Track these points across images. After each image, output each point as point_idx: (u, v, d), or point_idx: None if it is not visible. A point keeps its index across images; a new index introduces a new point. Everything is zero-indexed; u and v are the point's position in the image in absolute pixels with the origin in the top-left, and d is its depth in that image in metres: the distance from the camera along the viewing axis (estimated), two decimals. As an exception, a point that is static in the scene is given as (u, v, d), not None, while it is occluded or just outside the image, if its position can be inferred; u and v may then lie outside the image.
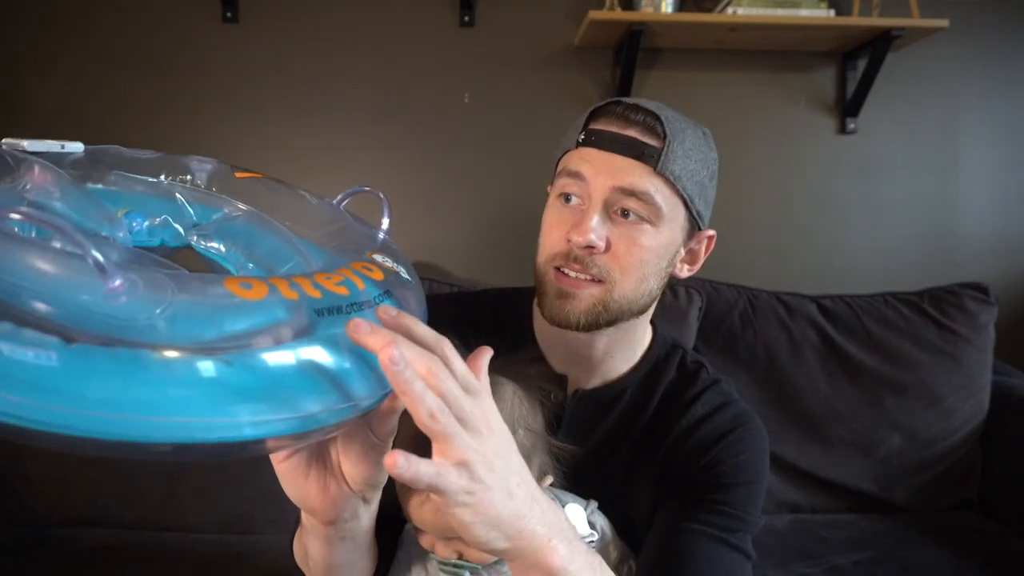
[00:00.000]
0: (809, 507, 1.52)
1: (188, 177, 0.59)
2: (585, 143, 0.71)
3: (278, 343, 0.37)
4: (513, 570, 0.52)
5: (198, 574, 1.24)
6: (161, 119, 1.70)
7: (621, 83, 1.70)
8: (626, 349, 0.78)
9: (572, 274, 0.70)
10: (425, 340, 0.44)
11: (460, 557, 0.63)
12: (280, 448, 0.45)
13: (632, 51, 1.63)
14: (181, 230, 0.58)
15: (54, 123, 1.67)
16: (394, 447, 0.42)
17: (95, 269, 0.32)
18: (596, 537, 0.70)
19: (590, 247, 0.68)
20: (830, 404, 1.52)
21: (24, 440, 0.31)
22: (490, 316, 0.83)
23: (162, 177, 0.58)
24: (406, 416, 0.43)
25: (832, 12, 1.61)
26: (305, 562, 0.63)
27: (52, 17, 1.68)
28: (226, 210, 0.59)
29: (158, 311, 0.33)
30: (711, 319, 1.54)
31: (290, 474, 0.50)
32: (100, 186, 0.55)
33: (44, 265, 0.33)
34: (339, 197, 0.61)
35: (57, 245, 0.37)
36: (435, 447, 0.43)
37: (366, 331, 0.39)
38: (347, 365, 0.40)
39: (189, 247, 0.58)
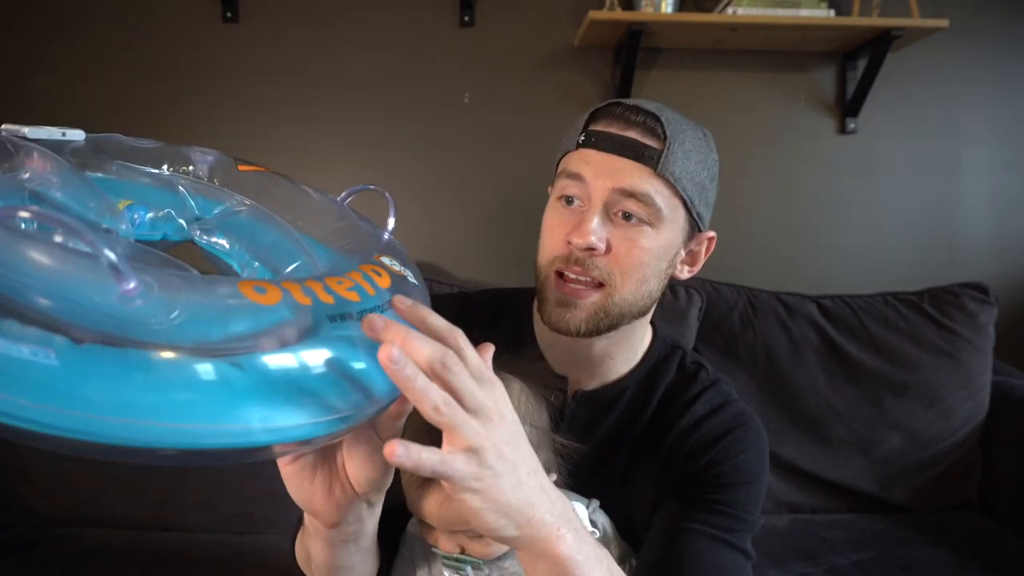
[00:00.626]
0: (809, 507, 1.52)
1: (190, 168, 0.58)
2: (585, 144, 0.71)
3: (290, 347, 0.37)
4: (521, 559, 0.52)
5: (198, 574, 1.24)
6: (160, 119, 1.70)
7: (621, 83, 1.70)
8: (626, 351, 0.78)
9: (573, 276, 0.70)
10: (438, 330, 0.44)
11: (463, 551, 0.63)
12: (288, 453, 0.45)
13: (632, 51, 1.63)
14: (184, 224, 0.57)
15: (53, 123, 1.66)
16: (405, 438, 0.42)
17: (109, 271, 0.32)
18: (598, 535, 0.70)
19: (590, 249, 0.68)
20: (830, 404, 1.52)
21: (30, 443, 0.30)
22: (490, 317, 0.83)
23: (164, 168, 0.57)
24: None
25: (832, 12, 1.61)
26: (307, 563, 0.63)
27: (52, 17, 1.68)
28: (229, 204, 0.58)
29: (173, 315, 0.33)
30: (711, 319, 1.54)
31: (296, 477, 0.50)
32: (101, 175, 0.54)
33: (56, 264, 0.32)
34: (343, 194, 0.61)
35: (58, 239, 0.36)
36: (444, 436, 0.43)
37: (380, 327, 0.40)
38: (358, 369, 0.40)
39: (191, 241, 0.58)
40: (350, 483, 0.50)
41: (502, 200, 1.77)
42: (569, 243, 0.69)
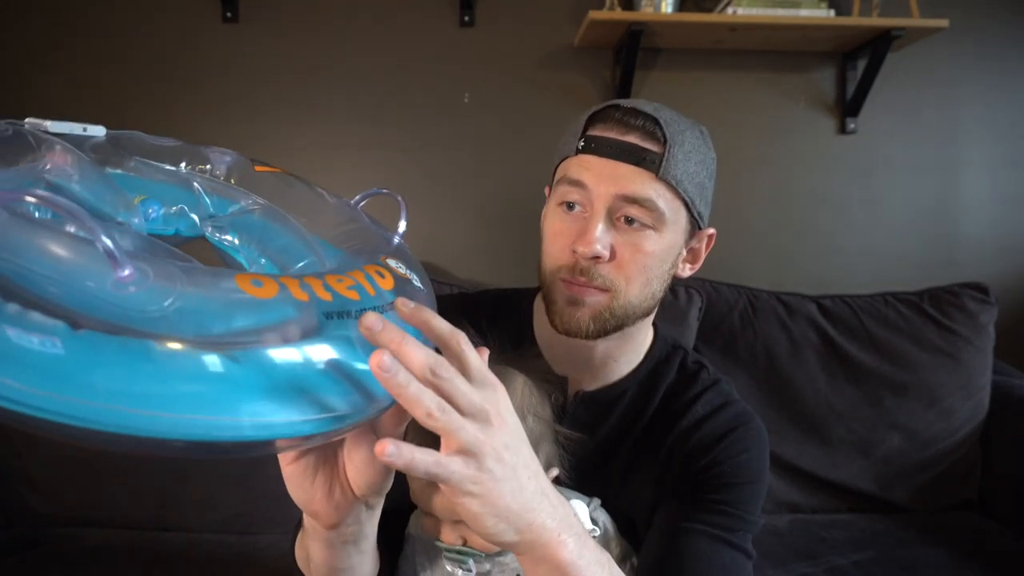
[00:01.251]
0: (809, 507, 1.52)
1: (207, 167, 0.59)
2: (585, 150, 0.70)
3: (286, 342, 0.36)
4: (522, 564, 0.52)
5: (198, 574, 1.24)
6: (161, 119, 1.70)
7: (621, 83, 1.70)
8: (628, 353, 0.78)
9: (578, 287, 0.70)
10: (441, 333, 0.44)
11: (465, 543, 0.63)
12: (287, 449, 0.45)
13: (632, 51, 1.63)
14: (196, 220, 0.58)
15: (54, 123, 1.67)
16: (406, 439, 0.42)
17: (105, 256, 0.32)
18: (598, 533, 0.70)
19: (596, 257, 0.68)
20: (830, 404, 1.52)
21: (30, 429, 0.30)
22: (490, 317, 0.83)
23: (182, 166, 0.58)
24: None
25: (832, 12, 1.61)
26: (306, 564, 0.63)
27: (52, 18, 1.68)
28: (243, 203, 0.59)
29: (167, 302, 0.33)
30: (711, 319, 1.54)
31: (296, 477, 0.50)
32: (119, 171, 0.55)
33: (55, 249, 0.32)
34: (356, 197, 0.61)
35: (71, 230, 0.37)
36: (442, 440, 0.43)
37: (376, 328, 0.39)
38: (356, 367, 0.39)
39: (203, 238, 0.58)
40: (350, 485, 0.50)
41: (502, 200, 1.77)
42: (574, 252, 0.69)
